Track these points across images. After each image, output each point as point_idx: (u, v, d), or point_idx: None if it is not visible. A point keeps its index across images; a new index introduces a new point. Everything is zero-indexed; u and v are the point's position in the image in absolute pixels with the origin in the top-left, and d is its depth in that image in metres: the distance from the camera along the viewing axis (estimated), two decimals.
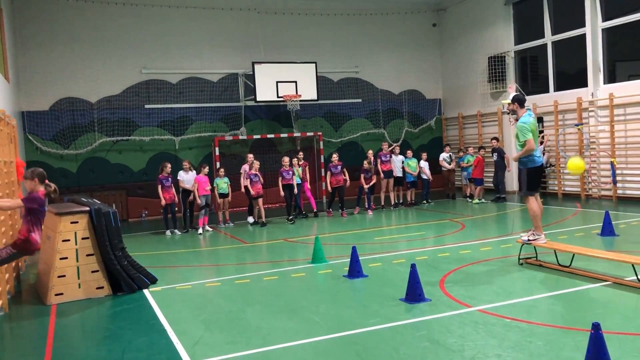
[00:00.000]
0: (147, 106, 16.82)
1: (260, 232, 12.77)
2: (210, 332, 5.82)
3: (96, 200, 9.07)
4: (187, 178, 13.21)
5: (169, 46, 17.09)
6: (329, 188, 14.88)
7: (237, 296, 7.29)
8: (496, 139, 16.14)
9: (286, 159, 14.14)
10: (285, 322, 5.99)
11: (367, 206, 14.94)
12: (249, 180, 13.59)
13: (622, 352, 4.54)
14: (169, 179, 12.95)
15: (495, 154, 15.78)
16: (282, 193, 13.83)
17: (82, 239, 7.55)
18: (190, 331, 5.86)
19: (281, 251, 10.44)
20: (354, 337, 5.39)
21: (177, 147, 17.10)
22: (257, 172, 13.67)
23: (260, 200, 13.64)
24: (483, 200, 15.67)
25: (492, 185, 16.41)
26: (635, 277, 6.51)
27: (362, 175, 14.76)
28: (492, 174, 16.15)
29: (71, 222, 7.51)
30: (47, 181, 6.44)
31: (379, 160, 15.34)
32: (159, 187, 12.82)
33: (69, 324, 6.51)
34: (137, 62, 16.75)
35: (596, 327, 3.97)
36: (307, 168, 14.98)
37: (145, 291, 7.66)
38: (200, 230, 12.92)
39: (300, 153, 15.20)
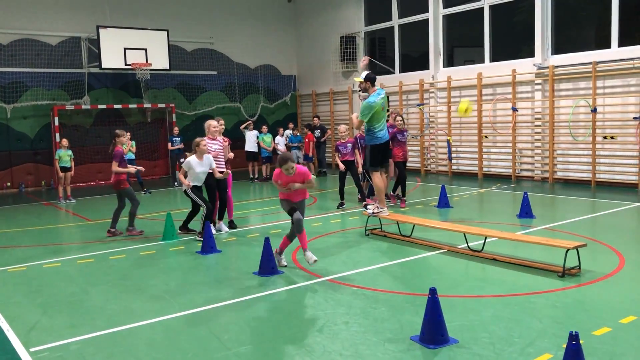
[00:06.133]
0: None
1: (106, 209, 12.01)
2: (48, 317, 5.38)
3: None
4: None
5: None
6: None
7: (79, 277, 6.82)
8: (317, 117, 17.73)
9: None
10: (133, 302, 5.73)
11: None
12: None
13: (454, 312, 4.99)
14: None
15: (318, 131, 16.85)
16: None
17: None
18: (25, 316, 5.38)
19: None
20: (206, 313, 5.31)
21: (9, 116, 15.46)
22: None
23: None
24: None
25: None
26: (466, 245, 7.18)
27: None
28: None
29: None
30: None
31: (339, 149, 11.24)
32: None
33: None
34: None
35: (432, 291, 4.31)
36: (228, 145, 9.84)
37: None
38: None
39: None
